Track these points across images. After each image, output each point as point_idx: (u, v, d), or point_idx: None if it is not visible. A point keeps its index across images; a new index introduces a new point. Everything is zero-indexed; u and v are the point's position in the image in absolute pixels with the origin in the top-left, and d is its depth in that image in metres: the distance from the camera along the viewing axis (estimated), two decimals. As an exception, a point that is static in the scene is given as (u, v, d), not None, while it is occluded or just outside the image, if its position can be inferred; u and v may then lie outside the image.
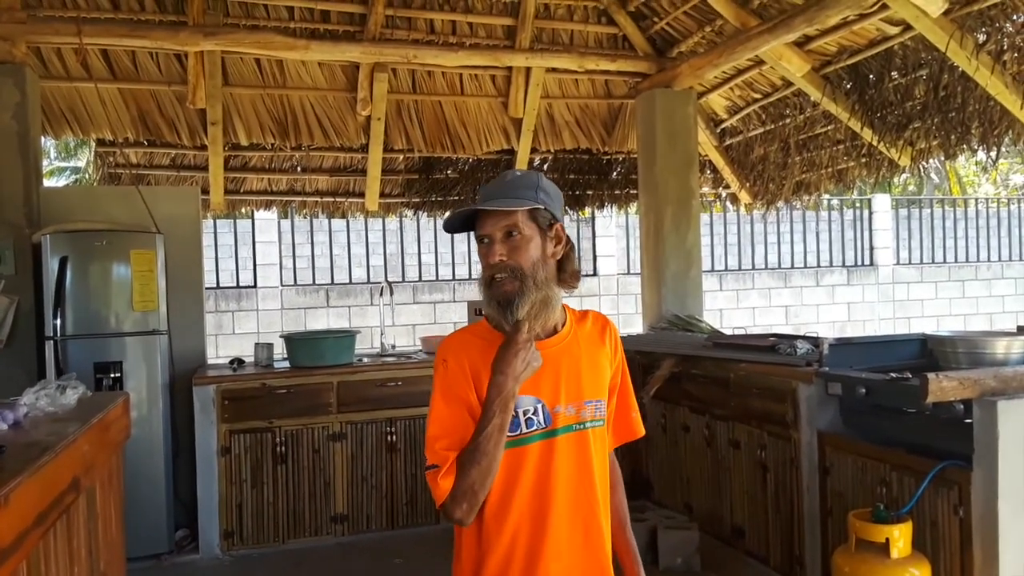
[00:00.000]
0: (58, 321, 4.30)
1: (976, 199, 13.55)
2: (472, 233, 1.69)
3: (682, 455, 4.62)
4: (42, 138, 5.44)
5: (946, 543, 2.83)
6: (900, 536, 2.69)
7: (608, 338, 1.77)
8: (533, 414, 1.62)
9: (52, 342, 4.30)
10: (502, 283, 1.60)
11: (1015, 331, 3.87)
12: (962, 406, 2.75)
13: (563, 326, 1.72)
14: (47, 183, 12.94)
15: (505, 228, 1.61)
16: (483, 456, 1.55)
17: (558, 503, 1.62)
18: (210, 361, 5.27)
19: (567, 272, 1.69)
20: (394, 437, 4.79)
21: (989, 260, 12.12)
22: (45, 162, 14.65)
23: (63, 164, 15.58)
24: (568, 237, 1.72)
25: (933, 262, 11.85)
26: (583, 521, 1.66)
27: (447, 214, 1.57)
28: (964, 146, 4.78)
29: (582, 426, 1.66)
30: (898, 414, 3.10)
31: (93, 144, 6.00)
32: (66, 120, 5.50)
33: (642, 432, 1.85)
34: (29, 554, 1.62)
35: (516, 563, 1.61)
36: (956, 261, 11.97)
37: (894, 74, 4.87)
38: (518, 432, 1.61)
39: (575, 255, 1.75)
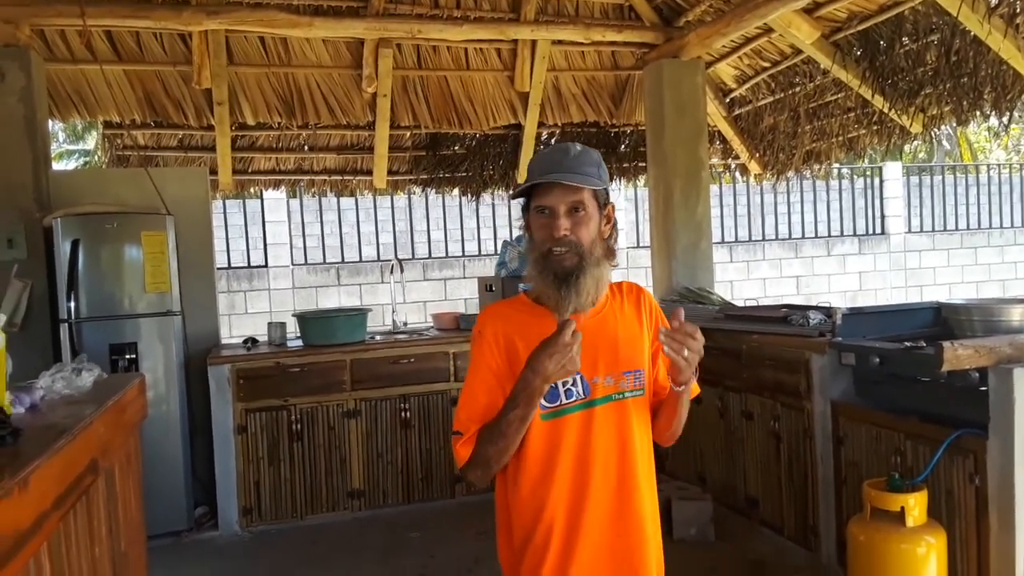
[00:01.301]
0: (72, 304, 4.33)
1: (988, 165, 13.42)
2: (522, 201, 1.71)
3: (695, 427, 4.61)
4: (49, 121, 5.44)
5: (962, 511, 2.83)
6: (915, 504, 2.69)
7: (643, 306, 1.78)
8: (572, 385, 1.65)
9: (67, 325, 4.33)
10: (562, 257, 1.62)
11: (1030, 298, 3.83)
12: (977, 374, 2.73)
13: (600, 299, 1.73)
14: (56, 166, 12.97)
15: (572, 203, 1.63)
16: (500, 438, 1.61)
17: (598, 472, 1.65)
18: (224, 341, 5.30)
19: (609, 250, 1.72)
20: (408, 413, 4.82)
21: (1001, 227, 12.01)
22: (54, 145, 14.66)
23: (72, 147, 15.61)
24: (615, 217, 1.75)
25: (945, 230, 11.75)
26: (624, 490, 1.68)
27: (519, 184, 1.59)
28: (976, 112, 4.71)
29: (621, 396, 1.69)
30: (912, 383, 3.09)
31: (100, 127, 5.99)
32: (72, 103, 5.49)
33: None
34: (50, 536, 1.64)
35: (558, 532, 1.64)
36: (968, 228, 11.86)
37: (905, 40, 4.79)
38: (558, 403, 1.64)
39: (616, 234, 1.77)
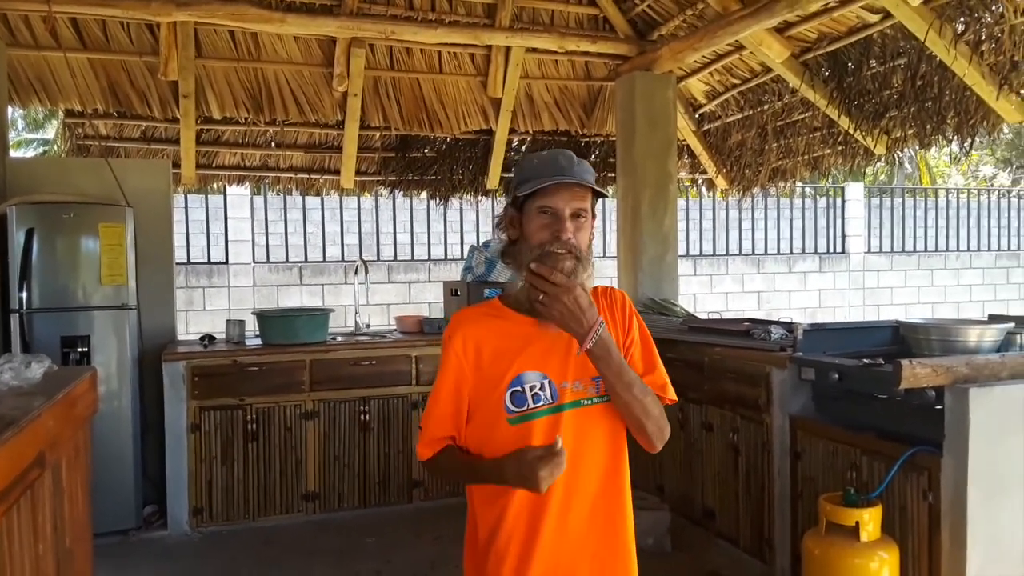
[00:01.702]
0: (24, 294, 4.22)
1: (947, 190, 13.74)
2: (518, 199, 1.68)
3: (655, 438, 4.63)
4: (9, 108, 5.29)
5: (915, 527, 2.87)
6: (870, 520, 2.72)
7: (617, 310, 1.77)
8: (540, 389, 1.65)
9: (18, 315, 4.22)
10: (562, 258, 1.61)
11: (986, 319, 3.91)
12: (934, 393, 2.77)
13: None
14: (15, 155, 12.66)
15: (576, 208, 1.64)
16: (470, 478, 1.73)
17: (560, 478, 1.60)
18: (180, 337, 5.20)
19: None
20: (367, 416, 4.76)
21: (958, 250, 12.30)
22: (12, 134, 14.35)
23: (31, 136, 15.25)
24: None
25: (903, 250, 12.01)
26: (591, 495, 1.67)
27: (528, 184, 1.58)
28: (939, 136, 4.81)
29: (590, 401, 1.67)
30: (870, 400, 3.13)
31: (61, 115, 5.85)
32: (33, 89, 5.35)
33: (672, 397, 1.78)
34: (-8, 531, 1.58)
35: (518, 536, 1.65)
36: (926, 250, 12.14)
37: (872, 62, 4.89)
38: (525, 408, 1.64)
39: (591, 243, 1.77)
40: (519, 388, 1.63)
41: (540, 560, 1.64)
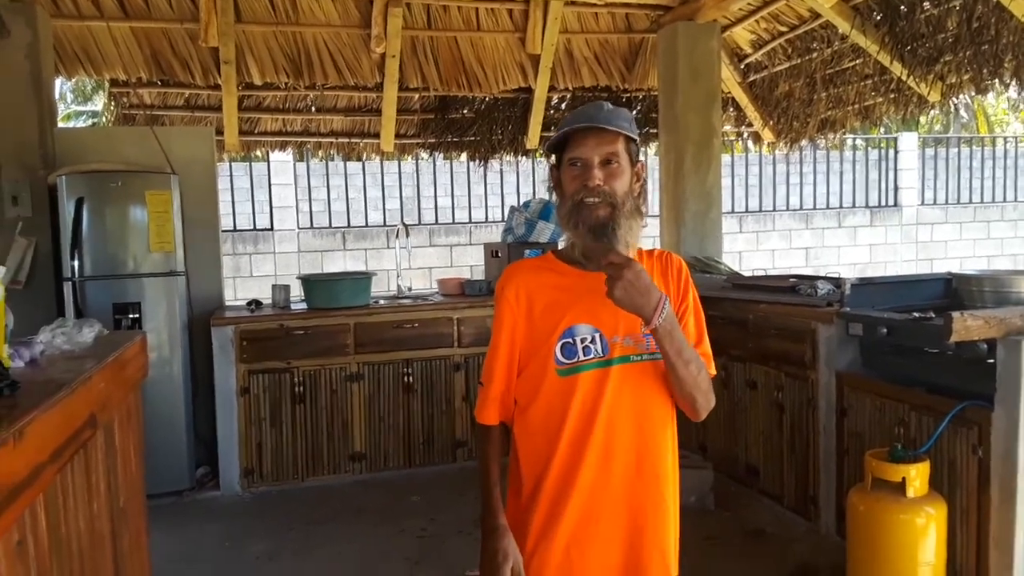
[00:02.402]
0: (76, 262, 4.32)
1: (1004, 138, 13.21)
2: (554, 157, 1.70)
3: (699, 396, 4.61)
4: (57, 80, 5.39)
5: (964, 483, 2.82)
6: (917, 476, 2.68)
7: (672, 274, 1.75)
8: (591, 343, 1.64)
9: (70, 283, 4.33)
10: (595, 207, 1.60)
11: (1042, 271, 3.78)
12: (985, 346, 2.69)
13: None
14: (65, 127, 12.94)
15: (605, 154, 1.62)
16: (478, 462, 1.80)
17: (604, 431, 1.64)
18: (228, 303, 5.29)
19: (637, 209, 1.68)
20: (411, 378, 4.82)
21: (1016, 200, 11.85)
22: (62, 106, 14.65)
23: (80, 108, 15.54)
24: (644, 177, 1.73)
25: (959, 202, 11.60)
26: (635, 451, 1.67)
27: (554, 134, 1.59)
28: (996, 80, 4.62)
29: (640, 358, 1.66)
30: (919, 354, 3.06)
31: (107, 85, 5.94)
32: (79, 60, 5.45)
33: (713, 371, 1.74)
34: (46, 488, 1.63)
35: (555, 487, 1.67)
36: (982, 201, 11.71)
37: (926, 4, 4.69)
38: (575, 359, 1.64)
39: (645, 194, 1.74)
40: (570, 340, 1.64)
41: (574, 509, 1.65)
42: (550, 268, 1.72)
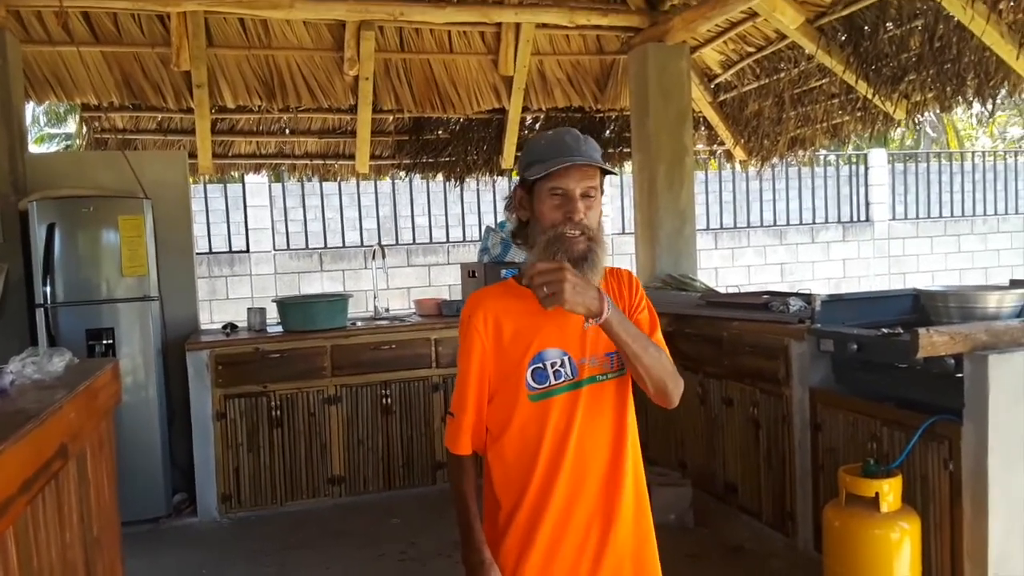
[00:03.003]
0: (48, 288, 4.28)
1: (973, 153, 13.47)
2: (528, 180, 1.70)
3: (676, 413, 4.62)
4: (27, 104, 5.35)
5: (936, 497, 2.85)
6: (890, 490, 2.71)
7: (625, 286, 1.81)
8: (560, 366, 1.68)
9: (43, 309, 4.29)
10: (576, 241, 1.64)
11: (1007, 285, 3.85)
12: (953, 361, 2.74)
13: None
14: (37, 150, 12.82)
15: (587, 187, 1.66)
16: (453, 494, 1.77)
17: (576, 450, 1.68)
18: (204, 326, 5.26)
19: None
20: (389, 400, 4.80)
21: (985, 214, 12.06)
22: (35, 129, 14.51)
23: (54, 131, 15.42)
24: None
25: (929, 217, 11.80)
26: (602, 467, 1.71)
27: (539, 167, 1.62)
28: (959, 98, 4.72)
29: (605, 376, 1.72)
30: (889, 369, 3.10)
31: (79, 109, 5.91)
32: (49, 85, 5.42)
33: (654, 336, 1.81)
34: (16, 520, 1.61)
35: (529, 510, 1.69)
36: (952, 215, 11.92)
37: (889, 25, 4.78)
38: (547, 384, 1.68)
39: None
40: (540, 365, 1.67)
41: (549, 526, 1.68)
42: (514, 294, 1.73)
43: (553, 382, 1.67)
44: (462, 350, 1.73)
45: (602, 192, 1.72)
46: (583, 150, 1.65)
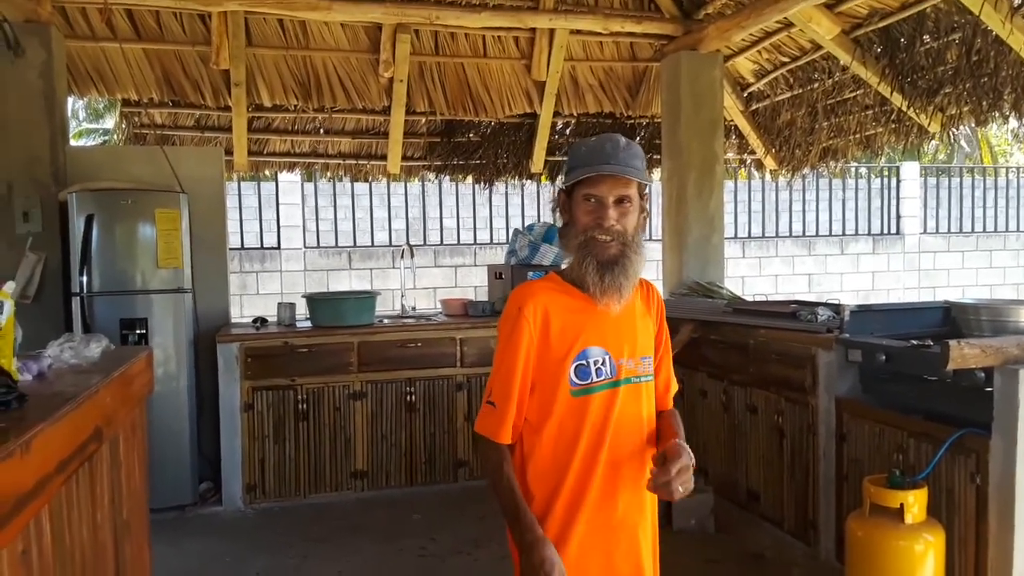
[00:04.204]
0: (84, 278, 4.37)
1: (1008, 169, 13.26)
2: (562, 185, 1.78)
3: (699, 420, 4.62)
4: (69, 98, 5.47)
5: (962, 511, 2.83)
6: (915, 502, 2.69)
7: (652, 302, 1.89)
8: (602, 364, 1.74)
9: (79, 298, 4.38)
10: (607, 245, 1.70)
11: (1041, 300, 3.81)
12: (983, 374, 2.72)
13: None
14: (77, 144, 13.06)
15: (620, 195, 1.70)
16: (492, 485, 1.75)
17: (610, 448, 1.74)
18: (234, 320, 5.34)
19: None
20: (413, 397, 4.84)
21: (1019, 230, 11.87)
22: (74, 124, 14.80)
23: (92, 126, 15.70)
24: (648, 209, 1.84)
25: (961, 231, 11.64)
26: (634, 468, 1.77)
27: (573, 173, 1.70)
28: (995, 112, 4.68)
29: (639, 379, 1.78)
30: (918, 381, 3.07)
31: (119, 104, 6.03)
32: (91, 80, 5.55)
33: (675, 387, 1.98)
34: (51, 500, 1.67)
35: (564, 509, 1.73)
36: (984, 231, 11.75)
37: (926, 38, 4.76)
38: (589, 381, 1.73)
39: (646, 222, 1.84)
40: (584, 362, 1.73)
41: (584, 520, 1.73)
42: (561, 290, 1.78)
43: (595, 379, 1.73)
44: (509, 340, 1.74)
45: (643, 199, 1.76)
46: (620, 158, 1.69)
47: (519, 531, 1.67)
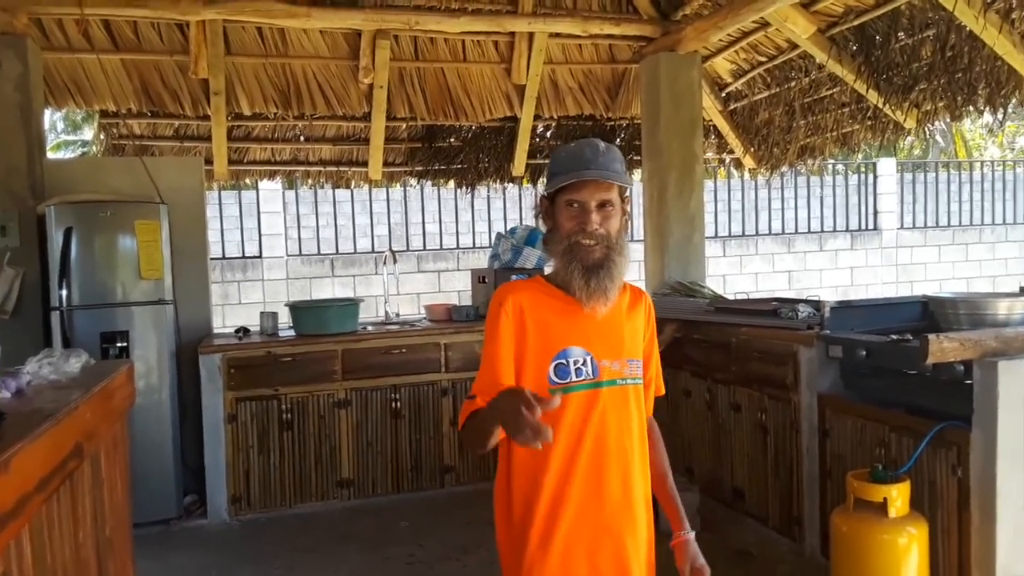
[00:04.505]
0: (64, 291, 4.34)
1: (982, 162, 13.41)
2: (543, 184, 1.78)
3: (684, 419, 4.65)
4: (47, 110, 5.42)
5: (944, 503, 2.86)
6: (898, 496, 2.71)
7: (644, 309, 1.89)
8: (583, 364, 1.73)
9: (58, 312, 4.34)
10: (592, 249, 1.71)
11: (1017, 292, 3.85)
12: (962, 367, 2.75)
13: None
14: (55, 156, 12.95)
15: (602, 199, 1.72)
16: (469, 437, 1.70)
17: (592, 449, 1.72)
18: (216, 330, 5.31)
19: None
20: (398, 404, 4.83)
21: (993, 223, 12.01)
22: (52, 135, 14.66)
23: (71, 137, 15.57)
24: (629, 211, 1.84)
25: (937, 225, 11.77)
26: (620, 471, 1.76)
27: (555, 180, 1.70)
28: (970, 107, 4.73)
29: (624, 382, 1.77)
30: (898, 376, 3.11)
31: (96, 116, 5.98)
32: (68, 91, 5.49)
33: (662, 391, 1.97)
34: (31, 519, 1.65)
35: (547, 509, 1.71)
36: (960, 224, 11.88)
37: (900, 35, 4.80)
38: (567, 380, 1.72)
39: (629, 223, 1.85)
40: (563, 361, 1.72)
41: (567, 520, 1.71)
42: (544, 291, 1.79)
43: (574, 378, 1.72)
44: (492, 335, 1.75)
45: (624, 202, 1.77)
46: (600, 163, 1.71)
47: (487, 409, 1.55)
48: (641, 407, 1.83)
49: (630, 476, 1.77)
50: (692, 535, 1.91)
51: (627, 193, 1.80)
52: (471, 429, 1.68)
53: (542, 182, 7.01)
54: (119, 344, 4.47)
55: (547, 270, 1.89)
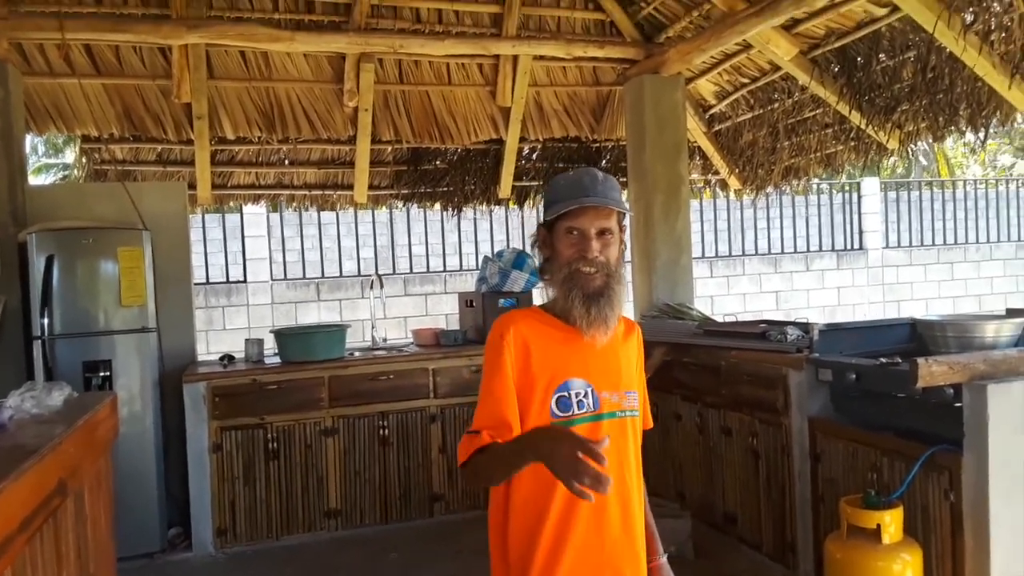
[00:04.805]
0: (45, 320, 4.27)
1: (964, 181, 13.57)
2: (543, 219, 1.78)
3: (674, 443, 4.62)
4: (27, 135, 5.38)
5: (937, 528, 2.84)
6: (891, 522, 2.70)
7: (636, 340, 1.89)
8: (584, 396, 1.71)
9: (40, 342, 4.27)
10: (592, 277, 1.70)
11: (1004, 314, 3.87)
12: (952, 390, 2.75)
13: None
14: (35, 180, 12.85)
15: (601, 227, 1.72)
16: (484, 472, 1.65)
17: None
18: (200, 358, 5.24)
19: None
20: (386, 431, 4.78)
21: (978, 242, 12.14)
22: (33, 159, 14.56)
23: (51, 161, 15.47)
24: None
25: (922, 244, 11.87)
26: (620, 506, 1.74)
27: (554, 207, 1.70)
28: (952, 128, 4.77)
29: (623, 414, 1.76)
30: (888, 399, 3.10)
31: (78, 140, 5.94)
32: (50, 116, 5.45)
33: (650, 424, 1.93)
34: (15, 560, 1.60)
35: (549, 543, 1.68)
36: (945, 243, 11.99)
37: (882, 56, 4.85)
38: (570, 413, 1.70)
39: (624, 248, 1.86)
40: (565, 393, 1.70)
41: (570, 556, 1.68)
42: (543, 321, 1.77)
43: (576, 412, 1.70)
44: (494, 367, 1.71)
45: (622, 230, 1.77)
46: (599, 191, 1.71)
47: (526, 446, 1.52)
48: (638, 440, 1.81)
49: (630, 510, 1.75)
50: (665, 558, 1.90)
51: (624, 222, 1.80)
52: (486, 465, 1.62)
53: (529, 204, 7.03)
54: (102, 373, 4.40)
55: (536, 297, 1.88)
